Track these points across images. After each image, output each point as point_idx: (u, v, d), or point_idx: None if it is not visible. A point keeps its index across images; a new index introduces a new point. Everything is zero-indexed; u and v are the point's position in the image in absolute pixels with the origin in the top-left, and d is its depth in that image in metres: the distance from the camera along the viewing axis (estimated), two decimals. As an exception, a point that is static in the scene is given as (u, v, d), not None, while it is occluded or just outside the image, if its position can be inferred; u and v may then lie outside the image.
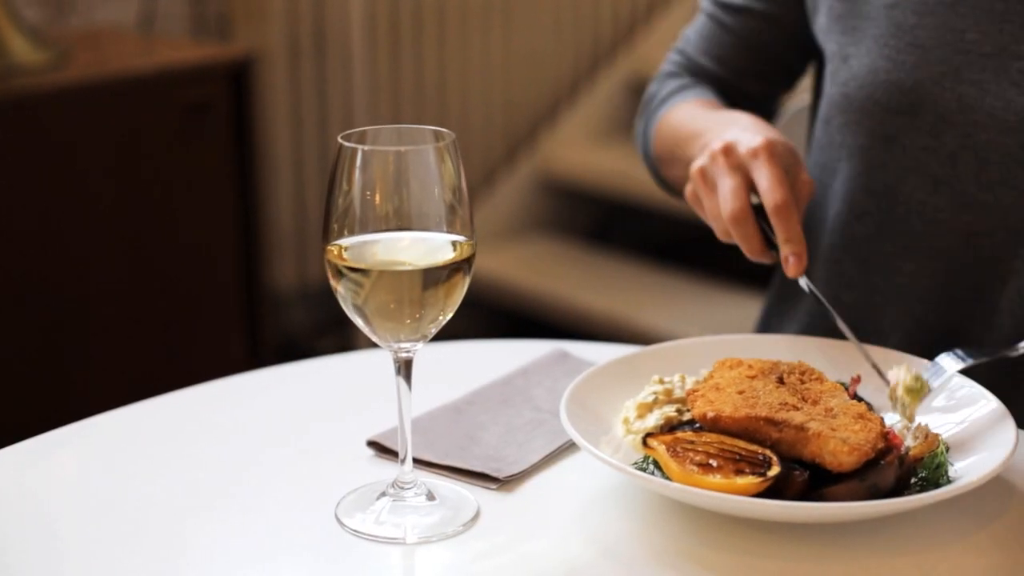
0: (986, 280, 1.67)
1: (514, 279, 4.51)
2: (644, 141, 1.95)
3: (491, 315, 4.60)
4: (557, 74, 4.85)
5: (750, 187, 1.55)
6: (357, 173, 1.26)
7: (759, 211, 1.55)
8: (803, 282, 1.53)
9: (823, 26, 1.78)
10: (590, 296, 4.39)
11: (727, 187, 1.54)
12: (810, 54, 1.87)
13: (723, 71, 1.91)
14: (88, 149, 3.17)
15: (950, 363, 1.46)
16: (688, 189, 1.63)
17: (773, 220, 1.51)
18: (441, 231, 1.29)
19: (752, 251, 1.55)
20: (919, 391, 1.41)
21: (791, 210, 1.51)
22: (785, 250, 1.52)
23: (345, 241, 1.28)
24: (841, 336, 1.53)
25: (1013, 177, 1.63)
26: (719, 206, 1.56)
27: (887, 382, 1.44)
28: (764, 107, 1.93)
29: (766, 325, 1.93)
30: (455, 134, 1.28)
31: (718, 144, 1.57)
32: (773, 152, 1.54)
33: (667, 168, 1.87)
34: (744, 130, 1.60)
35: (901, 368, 1.43)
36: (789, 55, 1.87)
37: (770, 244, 1.55)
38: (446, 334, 1.58)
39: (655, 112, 1.92)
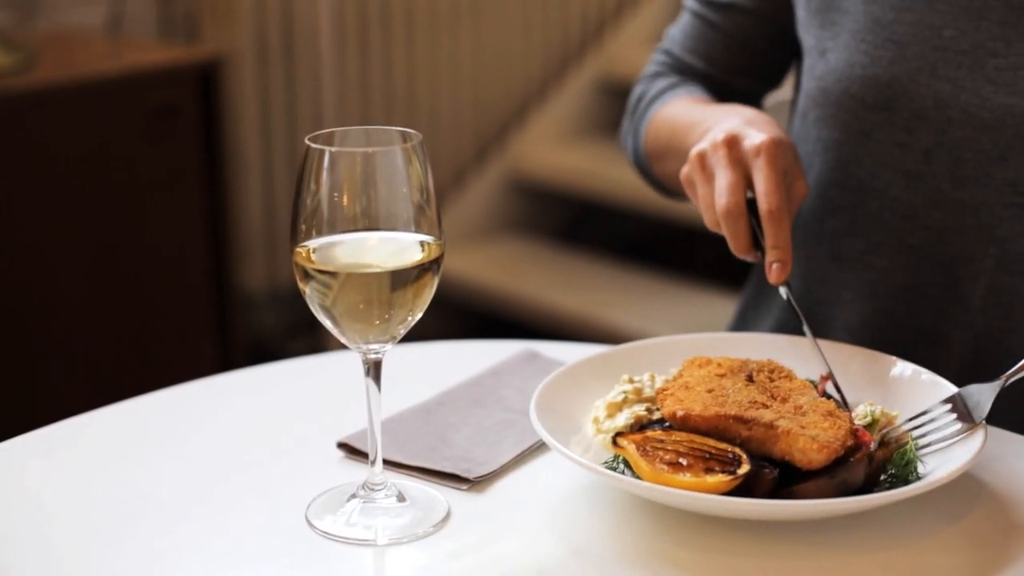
0: (957, 278, 1.67)
1: (484, 279, 4.51)
2: (633, 140, 1.94)
3: (462, 316, 4.60)
4: (526, 74, 4.85)
5: (747, 184, 1.54)
6: (325, 174, 1.26)
7: (751, 206, 1.54)
8: (783, 291, 1.54)
9: (802, 19, 1.78)
10: (560, 296, 4.39)
11: (724, 181, 1.53)
12: (797, 49, 1.87)
13: (711, 69, 1.91)
14: (56, 152, 3.17)
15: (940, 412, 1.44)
16: (684, 171, 1.60)
17: (765, 224, 1.50)
18: (409, 232, 1.29)
19: (739, 249, 1.54)
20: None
21: (784, 217, 1.50)
22: (771, 256, 1.51)
23: (313, 243, 1.28)
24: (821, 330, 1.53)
25: (987, 175, 1.63)
26: (714, 197, 1.54)
27: (844, 406, 1.44)
28: (751, 103, 1.92)
29: (741, 323, 1.94)
30: (423, 135, 1.28)
31: (721, 134, 1.55)
32: (775, 153, 1.52)
33: (660, 163, 1.87)
34: (749, 123, 1.58)
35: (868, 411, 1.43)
36: (776, 50, 1.87)
37: (757, 244, 1.54)
38: (416, 335, 1.58)
39: (646, 110, 1.92)
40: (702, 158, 1.56)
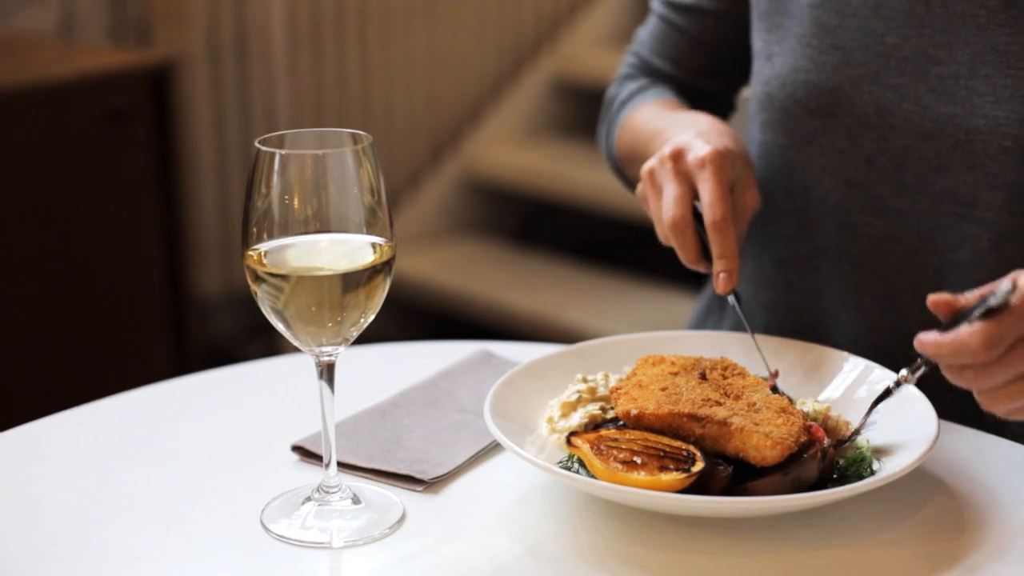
0: (896, 287, 1.68)
1: (440, 280, 4.51)
2: (607, 144, 1.95)
3: (418, 317, 4.60)
4: (480, 74, 4.85)
5: (694, 195, 1.55)
6: (275, 177, 1.26)
7: (701, 218, 1.56)
8: (731, 299, 1.54)
9: (753, 22, 1.79)
10: (516, 296, 4.40)
11: (670, 194, 1.55)
12: None
13: (677, 71, 1.92)
14: (7, 157, 3.15)
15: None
16: (639, 188, 1.63)
17: (710, 235, 1.52)
18: (361, 234, 1.28)
19: (688, 259, 1.56)
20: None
21: (728, 227, 1.51)
22: (718, 266, 1.52)
23: (264, 245, 1.28)
24: (766, 332, 1.54)
25: (927, 184, 1.63)
26: (662, 211, 1.56)
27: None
28: (722, 102, 1.95)
29: (701, 323, 1.94)
30: (378, 136, 1.28)
31: (668, 148, 1.57)
32: (719, 164, 1.53)
33: (630, 168, 1.88)
34: (700, 135, 1.59)
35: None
36: (740, 51, 1.86)
37: (707, 254, 1.55)
38: (371, 337, 1.58)
39: (617, 115, 1.93)
40: (651, 174, 1.58)
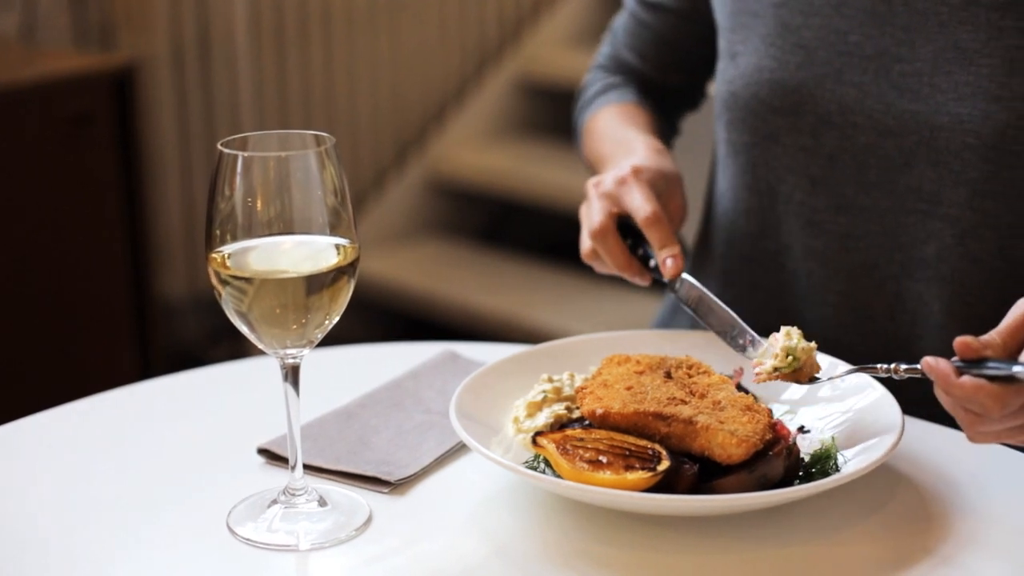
0: (861, 284, 1.68)
1: (406, 282, 4.50)
2: (578, 137, 2.01)
3: (384, 318, 4.59)
4: (445, 74, 4.85)
5: (617, 213, 1.60)
6: (238, 179, 1.26)
7: (637, 237, 1.61)
8: (677, 284, 1.57)
9: (717, 22, 1.79)
10: (482, 296, 4.39)
11: (594, 209, 1.61)
12: None
13: (644, 66, 1.95)
14: (-31, 161, 3.14)
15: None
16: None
17: (646, 231, 1.57)
18: (325, 235, 1.28)
19: (617, 264, 1.61)
20: (793, 362, 1.41)
21: (661, 220, 1.57)
22: (661, 255, 1.57)
23: (228, 248, 1.27)
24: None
25: (890, 181, 1.64)
26: (585, 228, 1.63)
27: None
28: (690, 96, 1.99)
29: (666, 322, 1.94)
30: (342, 137, 1.29)
31: (591, 181, 1.65)
32: (639, 175, 1.61)
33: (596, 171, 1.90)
34: (629, 163, 1.65)
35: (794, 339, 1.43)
36: (705, 49, 1.87)
37: (648, 266, 1.60)
38: (339, 338, 1.58)
39: (584, 111, 1.98)
40: (584, 208, 1.66)
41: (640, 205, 1.57)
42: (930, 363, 1.29)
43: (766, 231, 1.74)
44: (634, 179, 1.60)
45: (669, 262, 1.56)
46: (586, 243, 1.63)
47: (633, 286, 1.67)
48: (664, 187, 1.63)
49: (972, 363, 1.27)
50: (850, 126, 1.65)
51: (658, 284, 1.60)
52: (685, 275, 1.57)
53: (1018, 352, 1.28)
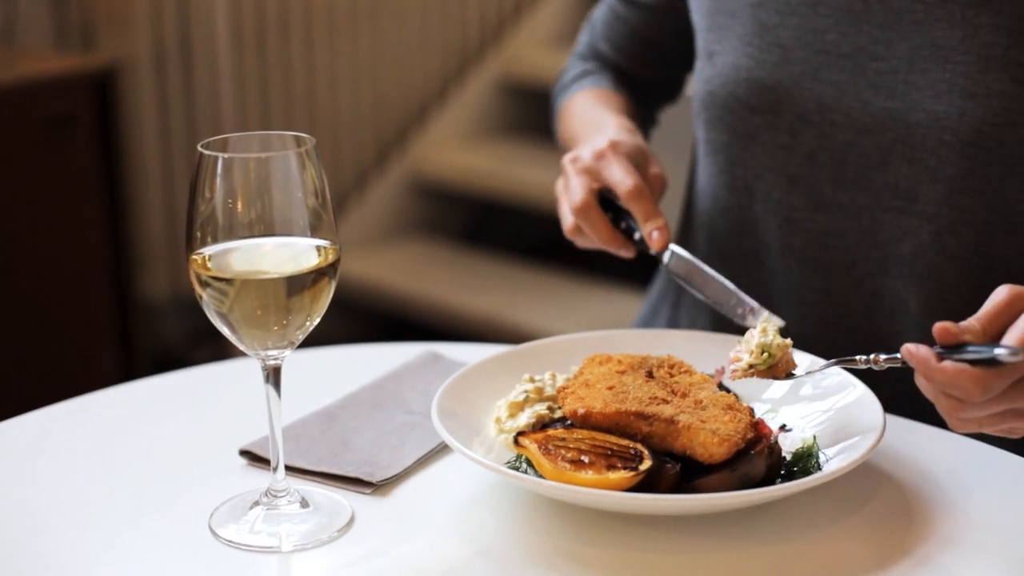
0: (839, 281, 1.69)
1: (388, 282, 4.50)
2: (554, 117, 2.03)
3: (366, 319, 4.59)
4: (426, 75, 4.85)
5: (598, 188, 1.61)
6: (218, 181, 1.25)
7: (618, 211, 1.61)
8: (666, 256, 1.58)
9: (694, 21, 1.80)
10: (464, 297, 4.39)
11: (574, 186, 1.61)
12: None
13: (619, 58, 1.97)
14: (-51, 164, 3.13)
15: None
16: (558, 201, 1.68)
17: (629, 205, 1.58)
18: (306, 236, 1.28)
19: (602, 239, 1.61)
20: (768, 358, 1.41)
21: (644, 193, 1.58)
22: (647, 228, 1.58)
23: (209, 249, 1.27)
24: (713, 329, 1.54)
25: (868, 179, 1.64)
26: (567, 204, 1.62)
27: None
28: (668, 88, 2.01)
29: (648, 322, 1.94)
30: (324, 138, 1.28)
31: (567, 157, 1.65)
32: (615, 149, 1.61)
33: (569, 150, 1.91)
34: (603, 138, 1.66)
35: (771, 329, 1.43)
36: (681, 45, 1.88)
37: (631, 238, 1.60)
38: (321, 340, 1.58)
39: (561, 94, 2.00)
40: (561, 186, 1.66)
41: (621, 179, 1.58)
42: (910, 350, 1.29)
43: (744, 230, 1.75)
44: (612, 153, 1.61)
45: (655, 234, 1.57)
46: (568, 219, 1.63)
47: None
48: (641, 159, 1.64)
49: (952, 348, 1.27)
50: (828, 124, 1.65)
51: (644, 256, 1.61)
52: (673, 246, 1.57)
53: (998, 338, 1.28)
